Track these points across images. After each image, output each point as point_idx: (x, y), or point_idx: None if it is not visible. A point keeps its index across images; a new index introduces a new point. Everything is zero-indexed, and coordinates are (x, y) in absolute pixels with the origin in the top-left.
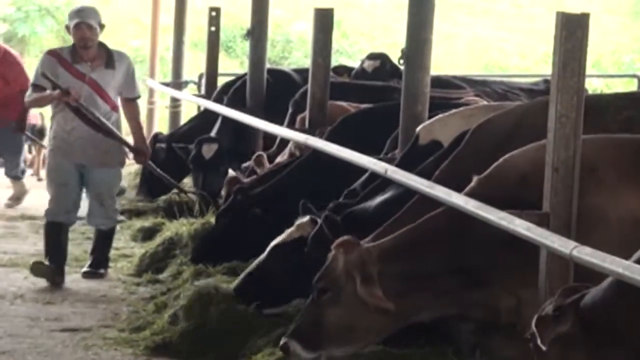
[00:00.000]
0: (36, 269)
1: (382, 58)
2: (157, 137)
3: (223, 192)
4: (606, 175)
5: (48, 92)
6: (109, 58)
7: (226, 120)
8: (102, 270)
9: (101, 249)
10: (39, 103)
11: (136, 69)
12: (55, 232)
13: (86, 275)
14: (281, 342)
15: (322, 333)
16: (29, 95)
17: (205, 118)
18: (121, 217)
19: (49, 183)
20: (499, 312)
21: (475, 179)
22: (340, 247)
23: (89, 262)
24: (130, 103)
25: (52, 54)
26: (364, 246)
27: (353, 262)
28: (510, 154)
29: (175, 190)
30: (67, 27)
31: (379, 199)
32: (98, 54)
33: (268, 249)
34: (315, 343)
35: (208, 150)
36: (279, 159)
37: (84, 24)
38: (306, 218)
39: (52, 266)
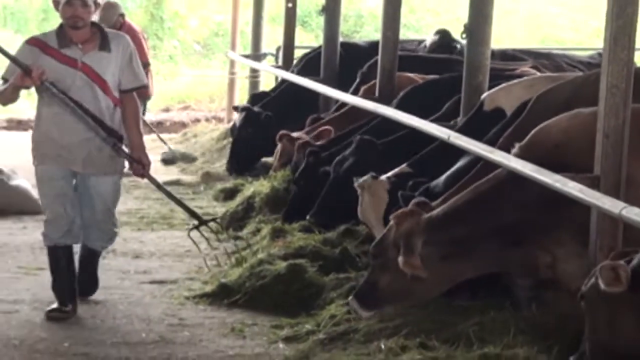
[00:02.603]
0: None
1: (442, 34)
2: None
3: (294, 159)
4: (631, 142)
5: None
6: (103, 39)
7: (286, 88)
8: (93, 293)
9: (91, 269)
10: (3, 99)
11: (218, 42)
12: (58, 258)
13: (82, 299)
14: (347, 300)
15: (375, 295)
16: None
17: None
18: (116, 230)
19: (42, 197)
20: (537, 269)
21: (516, 146)
22: (395, 219)
23: (77, 289)
24: (128, 97)
25: (33, 42)
26: (416, 218)
27: (401, 233)
28: (545, 122)
29: (193, 223)
30: (56, 3)
31: (449, 172)
32: (91, 36)
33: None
34: (371, 303)
35: (238, 119)
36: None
37: (77, 0)
38: (368, 179)
39: (60, 307)
